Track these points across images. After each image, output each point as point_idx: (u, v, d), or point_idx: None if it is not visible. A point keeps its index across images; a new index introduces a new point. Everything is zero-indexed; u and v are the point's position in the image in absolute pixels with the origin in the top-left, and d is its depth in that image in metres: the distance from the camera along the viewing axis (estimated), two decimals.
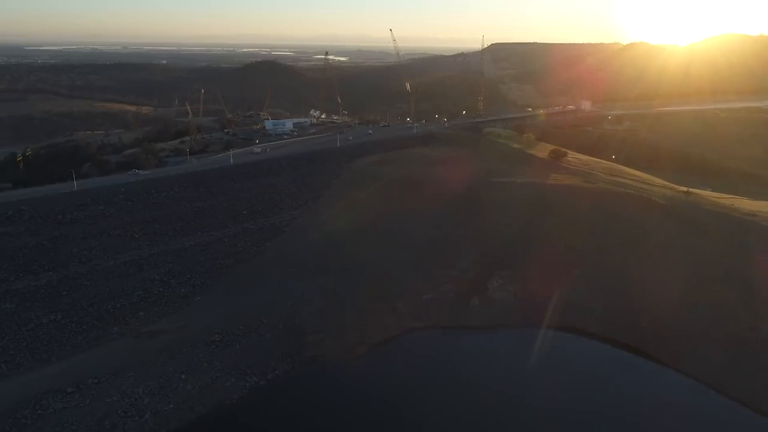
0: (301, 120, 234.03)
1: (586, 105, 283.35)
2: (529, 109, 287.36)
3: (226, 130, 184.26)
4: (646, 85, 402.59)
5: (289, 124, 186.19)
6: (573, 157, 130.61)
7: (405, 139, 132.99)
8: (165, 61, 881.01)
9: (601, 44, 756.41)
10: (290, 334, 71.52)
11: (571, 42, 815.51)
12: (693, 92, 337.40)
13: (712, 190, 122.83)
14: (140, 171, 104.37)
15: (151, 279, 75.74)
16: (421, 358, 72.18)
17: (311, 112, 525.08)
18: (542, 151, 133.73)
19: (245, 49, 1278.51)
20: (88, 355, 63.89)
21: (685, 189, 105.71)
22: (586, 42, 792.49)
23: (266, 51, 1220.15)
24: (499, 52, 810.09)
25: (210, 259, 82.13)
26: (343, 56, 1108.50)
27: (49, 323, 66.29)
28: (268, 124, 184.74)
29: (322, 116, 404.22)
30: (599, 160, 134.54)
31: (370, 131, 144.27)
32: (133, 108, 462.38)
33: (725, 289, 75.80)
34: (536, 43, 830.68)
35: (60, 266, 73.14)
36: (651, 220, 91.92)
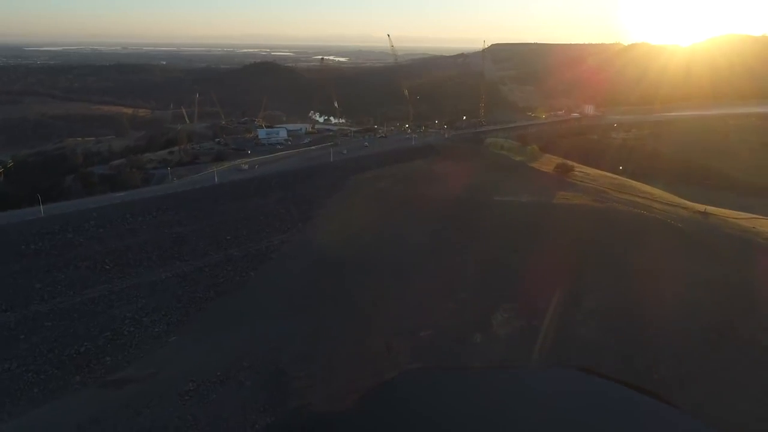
0: (297, 126, 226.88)
1: (589, 109, 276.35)
2: (531, 114, 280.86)
3: (217, 140, 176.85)
4: (649, 88, 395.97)
5: (282, 132, 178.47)
6: (580, 171, 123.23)
7: (403, 152, 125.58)
8: (164, 62, 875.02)
9: (602, 44, 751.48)
10: (273, 380, 64.24)
11: (572, 42, 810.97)
12: (697, 95, 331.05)
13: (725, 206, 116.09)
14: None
15: (121, 317, 68.45)
16: (418, 405, 64.84)
17: (310, 115, 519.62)
18: (547, 164, 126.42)
19: (245, 50, 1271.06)
20: (45, 411, 56.64)
21: (702, 209, 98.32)
22: (587, 42, 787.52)
23: (266, 51, 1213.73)
24: (499, 52, 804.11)
25: (188, 293, 74.83)
26: (344, 57, 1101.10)
27: (2, 373, 59.05)
28: (261, 133, 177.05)
29: (321, 119, 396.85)
30: (608, 174, 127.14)
31: (366, 143, 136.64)
32: (129, 111, 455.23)
33: (756, 331, 68.46)
34: (537, 43, 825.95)
35: (19, 305, 65.80)
36: (668, 246, 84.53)
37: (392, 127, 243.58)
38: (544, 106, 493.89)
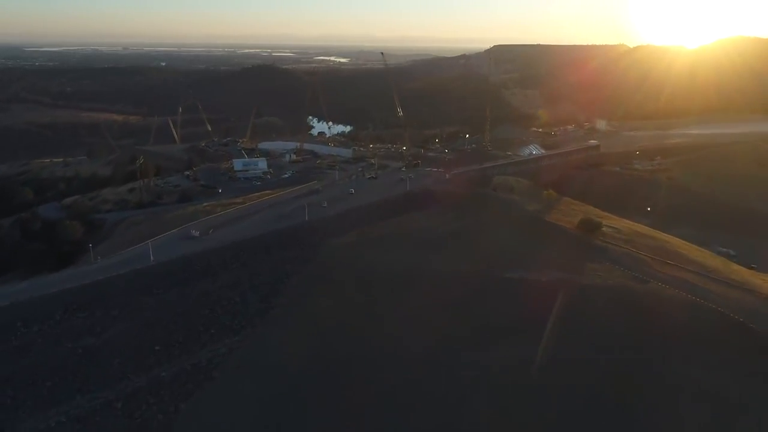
0: (284, 146, 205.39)
1: (601, 124, 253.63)
2: (539, 130, 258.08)
3: (186, 173, 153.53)
4: (656, 94, 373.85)
5: (262, 164, 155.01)
6: (608, 224, 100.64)
7: (394, 203, 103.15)
8: (164, 63, 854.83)
9: (606, 46, 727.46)
10: None
11: (575, 44, 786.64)
12: (717, 107, 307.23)
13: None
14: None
15: None
16: None
17: (308, 121, 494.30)
18: (567, 214, 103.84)
19: (246, 50, 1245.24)
20: None
21: None
22: (590, 44, 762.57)
23: (267, 52, 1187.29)
24: (502, 53, 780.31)
25: None
26: (345, 57, 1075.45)
27: None
28: (237, 165, 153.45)
29: (316, 127, 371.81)
30: (641, 228, 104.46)
31: (352, 190, 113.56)
32: (120, 118, 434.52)
33: None
34: (540, 45, 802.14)
35: None
36: (741, 360, 62.18)
37: (390, 146, 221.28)
38: (549, 113, 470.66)
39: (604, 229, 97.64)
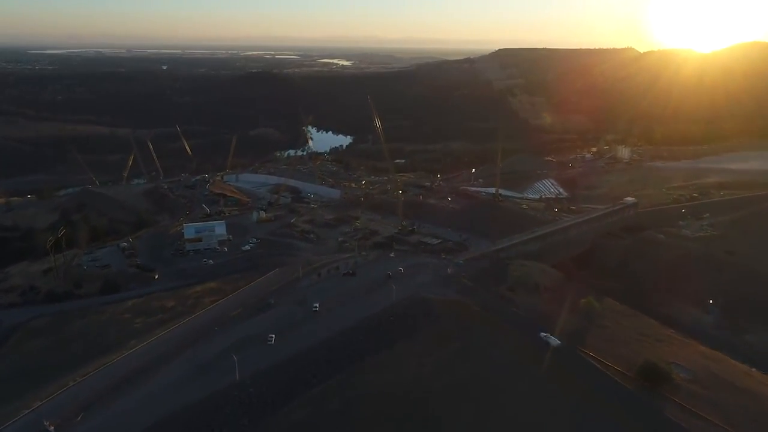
0: (270, 179, 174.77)
1: (624, 152, 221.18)
2: (554, 160, 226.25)
3: (123, 244, 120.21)
4: (672, 104, 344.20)
5: (220, 229, 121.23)
6: (675, 362, 69.18)
7: (375, 327, 71.45)
8: (165, 66, 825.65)
9: (614, 50, 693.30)
10: None
11: (582, 47, 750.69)
12: (737, 131, 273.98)
13: None
14: None
15: None
16: None
17: (306, 132, 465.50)
18: (617, 340, 72.45)
19: (250, 52, 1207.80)
20: None
21: None
22: (597, 47, 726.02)
23: (270, 54, 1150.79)
24: (507, 57, 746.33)
25: None
26: (348, 60, 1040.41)
27: None
28: (188, 232, 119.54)
29: (313, 136, 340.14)
30: (722, 369, 72.14)
31: (316, 306, 79.67)
32: (107, 131, 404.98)
33: None
34: (546, 48, 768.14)
35: None
36: None
37: (386, 179, 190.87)
38: (558, 125, 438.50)
39: (672, 370, 66.28)
